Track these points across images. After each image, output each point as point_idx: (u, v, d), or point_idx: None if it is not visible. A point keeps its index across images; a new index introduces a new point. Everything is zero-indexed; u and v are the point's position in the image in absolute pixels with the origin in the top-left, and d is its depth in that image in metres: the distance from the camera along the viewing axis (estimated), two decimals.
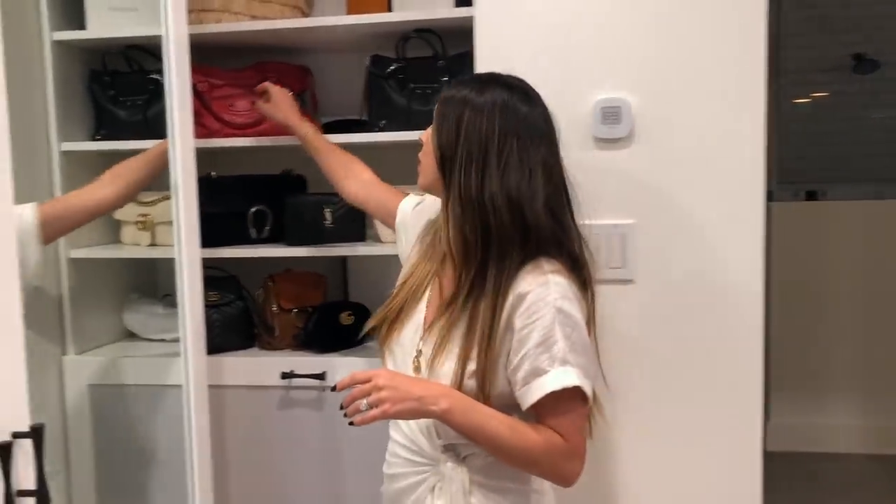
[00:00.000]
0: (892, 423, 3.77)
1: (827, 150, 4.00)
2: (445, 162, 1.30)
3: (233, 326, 2.04)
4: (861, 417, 3.80)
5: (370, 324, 1.44)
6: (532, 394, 1.23)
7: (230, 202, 2.00)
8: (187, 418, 1.62)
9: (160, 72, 1.60)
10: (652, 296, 1.67)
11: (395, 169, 1.72)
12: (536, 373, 1.23)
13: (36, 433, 0.96)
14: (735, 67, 1.60)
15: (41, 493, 0.96)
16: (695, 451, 1.68)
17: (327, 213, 1.90)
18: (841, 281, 3.78)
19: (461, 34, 1.78)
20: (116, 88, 2.04)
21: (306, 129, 1.80)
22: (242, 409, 1.94)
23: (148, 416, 1.94)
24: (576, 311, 1.25)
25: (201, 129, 1.91)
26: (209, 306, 1.87)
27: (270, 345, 2.03)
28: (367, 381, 1.23)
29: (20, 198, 1.43)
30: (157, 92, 1.91)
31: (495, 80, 1.33)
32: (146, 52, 1.98)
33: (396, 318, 1.40)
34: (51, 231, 1.68)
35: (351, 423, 1.23)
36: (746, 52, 1.59)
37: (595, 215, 1.65)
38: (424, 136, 1.39)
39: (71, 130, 1.99)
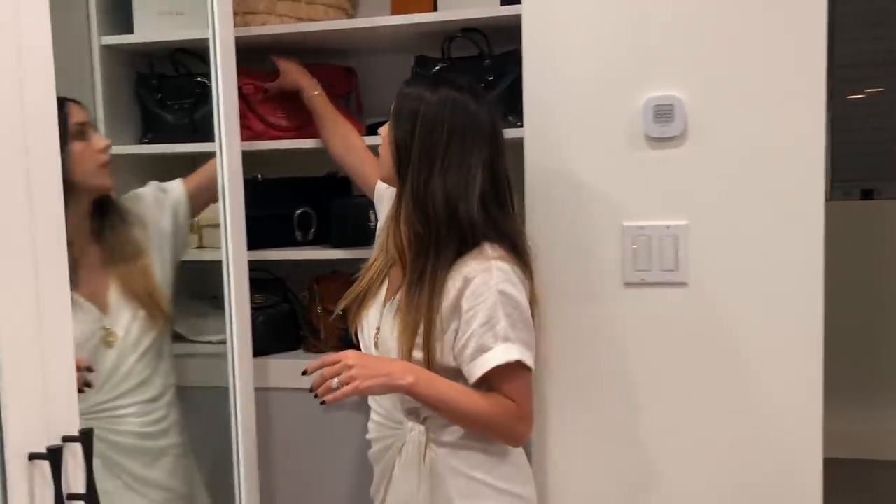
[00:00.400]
0: None
1: (882, 146, 3.88)
2: (402, 159, 1.41)
3: (278, 329, 2.04)
4: None
5: (341, 305, 1.56)
6: (479, 368, 1.36)
7: (276, 204, 2.01)
8: (234, 420, 1.63)
9: (207, 75, 1.61)
10: (706, 299, 1.62)
11: None
12: (482, 349, 1.35)
13: (85, 437, 0.96)
14: (793, 63, 1.54)
15: (90, 496, 0.96)
16: (752, 458, 1.62)
17: (372, 216, 1.90)
18: None
19: (508, 33, 1.76)
20: (163, 92, 2.05)
21: (313, 91, 1.89)
22: (288, 412, 1.95)
23: (194, 418, 1.95)
24: (517, 292, 1.37)
25: (247, 132, 1.91)
26: (255, 308, 1.87)
27: (315, 347, 2.02)
28: (337, 362, 1.35)
29: None
30: (203, 95, 1.93)
31: (447, 81, 1.44)
32: (193, 56, 2.00)
33: (364, 299, 1.53)
34: (199, 202, 1.76)
35: (322, 403, 1.34)
36: (804, 46, 1.54)
37: (647, 216, 1.63)
38: (383, 130, 1.48)
39: (119, 134, 2.01)
